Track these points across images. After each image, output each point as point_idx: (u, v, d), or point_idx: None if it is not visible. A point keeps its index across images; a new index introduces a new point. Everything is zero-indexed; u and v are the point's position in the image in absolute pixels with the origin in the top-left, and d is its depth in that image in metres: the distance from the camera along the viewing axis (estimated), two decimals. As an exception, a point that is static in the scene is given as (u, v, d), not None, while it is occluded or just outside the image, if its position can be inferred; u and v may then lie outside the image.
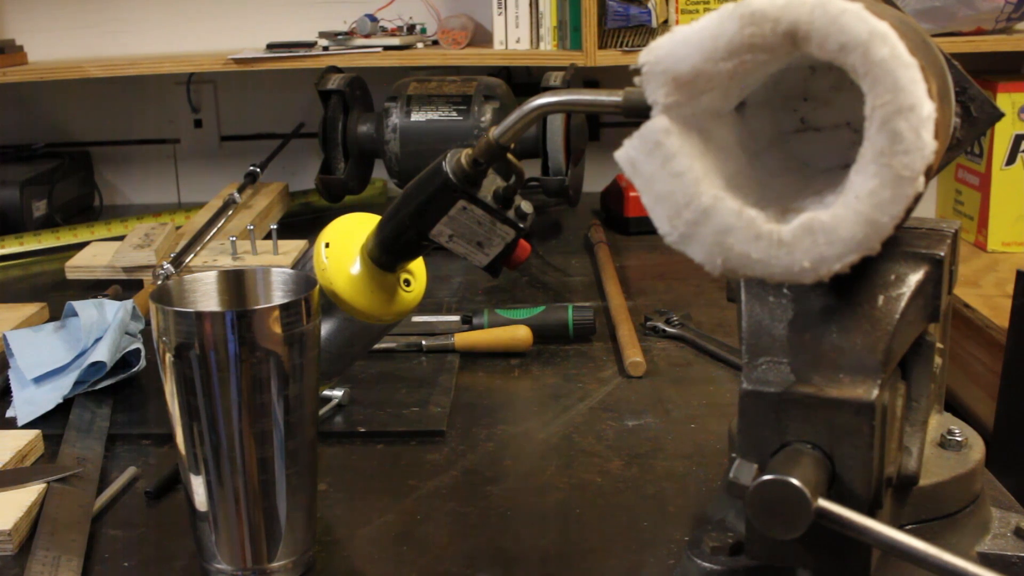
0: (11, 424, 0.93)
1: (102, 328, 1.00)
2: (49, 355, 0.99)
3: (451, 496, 0.80)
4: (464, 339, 1.07)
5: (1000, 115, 0.63)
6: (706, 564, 0.60)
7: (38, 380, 0.97)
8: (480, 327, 1.09)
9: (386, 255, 0.78)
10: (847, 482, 0.52)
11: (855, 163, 0.48)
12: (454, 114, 1.49)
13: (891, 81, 0.46)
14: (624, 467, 0.84)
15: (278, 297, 0.72)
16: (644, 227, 1.51)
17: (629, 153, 0.52)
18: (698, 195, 0.50)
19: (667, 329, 1.12)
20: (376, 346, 0.95)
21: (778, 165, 0.58)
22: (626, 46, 1.69)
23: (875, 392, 0.51)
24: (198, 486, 0.67)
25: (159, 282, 1.22)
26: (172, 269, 1.24)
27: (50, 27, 1.93)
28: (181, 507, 0.79)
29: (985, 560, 0.62)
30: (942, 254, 0.56)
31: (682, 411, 0.94)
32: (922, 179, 0.46)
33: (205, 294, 0.72)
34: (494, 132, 0.72)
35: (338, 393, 0.95)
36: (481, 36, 1.86)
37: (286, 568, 0.69)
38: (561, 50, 1.74)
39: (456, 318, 1.12)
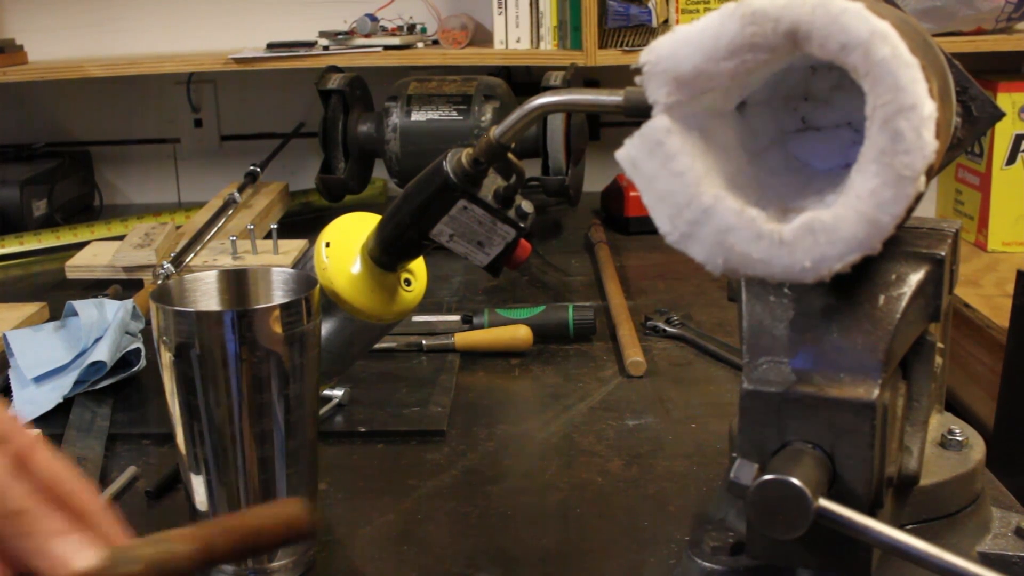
0: (11, 424, 0.93)
1: (102, 328, 1.00)
2: (49, 355, 0.99)
3: (451, 496, 0.80)
4: (464, 339, 1.07)
5: (1001, 115, 0.63)
6: (707, 564, 0.60)
7: (38, 380, 0.97)
8: (480, 327, 1.09)
9: (386, 255, 0.78)
10: (848, 482, 0.52)
11: (856, 163, 0.48)
12: (454, 114, 1.49)
13: (892, 80, 0.46)
14: (624, 467, 0.84)
15: (278, 297, 0.72)
16: (644, 227, 1.51)
17: (630, 152, 0.52)
18: (699, 194, 0.50)
19: (667, 329, 1.12)
20: (376, 346, 0.95)
21: (779, 164, 0.58)
22: (626, 46, 1.69)
23: (876, 392, 0.51)
24: (198, 486, 0.67)
25: (159, 282, 1.22)
26: (172, 269, 1.24)
27: (50, 27, 1.93)
28: (181, 507, 0.79)
29: (986, 560, 0.62)
30: (943, 254, 0.56)
31: (682, 411, 0.94)
32: (923, 179, 0.46)
33: (205, 294, 0.72)
34: (494, 132, 0.72)
35: (338, 393, 0.95)
36: (481, 36, 1.86)
37: (286, 568, 0.69)
38: (561, 50, 1.74)
39: (456, 318, 1.12)
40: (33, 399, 0.95)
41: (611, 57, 1.69)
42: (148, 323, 1.06)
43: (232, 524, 0.47)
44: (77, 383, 0.96)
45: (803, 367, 0.54)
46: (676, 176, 0.51)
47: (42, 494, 0.45)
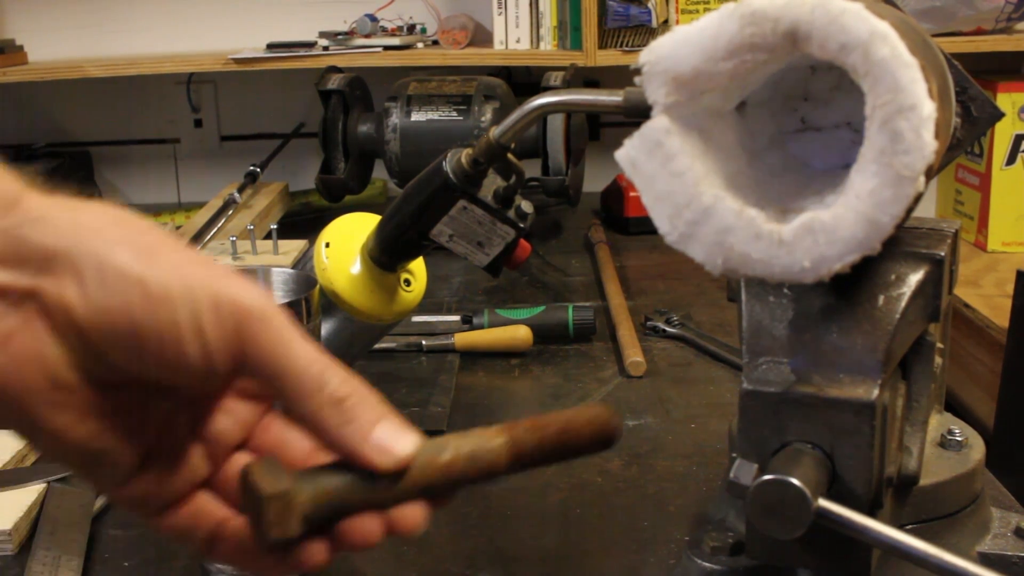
0: (11, 424, 0.93)
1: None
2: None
3: (451, 496, 0.80)
4: (464, 339, 1.07)
5: (1000, 115, 0.63)
6: (706, 564, 0.60)
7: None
8: (480, 327, 1.09)
9: (386, 255, 0.78)
10: (847, 482, 0.52)
11: (855, 163, 0.48)
12: (454, 114, 1.49)
13: (891, 81, 0.46)
14: (624, 467, 0.84)
15: (278, 297, 0.72)
16: (644, 227, 1.51)
17: (630, 153, 0.52)
18: (698, 195, 0.50)
19: (667, 329, 1.12)
20: (376, 346, 0.95)
21: (778, 165, 0.58)
22: (626, 46, 1.69)
23: (875, 392, 0.51)
24: (198, 486, 0.67)
25: (159, 282, 1.22)
26: (172, 269, 1.24)
27: (50, 27, 1.93)
28: (181, 507, 0.79)
29: (985, 560, 0.62)
30: (942, 254, 0.56)
31: (682, 411, 0.94)
32: (922, 179, 0.46)
33: (205, 294, 0.71)
34: (494, 132, 0.73)
35: (338, 393, 0.95)
36: (481, 36, 1.86)
37: (286, 568, 0.69)
38: (561, 50, 1.74)
39: (456, 318, 1.12)
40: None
41: (611, 57, 1.69)
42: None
43: (537, 424, 0.44)
44: (77, 383, 0.96)
45: (802, 367, 0.54)
46: (676, 176, 0.51)
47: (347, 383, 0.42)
